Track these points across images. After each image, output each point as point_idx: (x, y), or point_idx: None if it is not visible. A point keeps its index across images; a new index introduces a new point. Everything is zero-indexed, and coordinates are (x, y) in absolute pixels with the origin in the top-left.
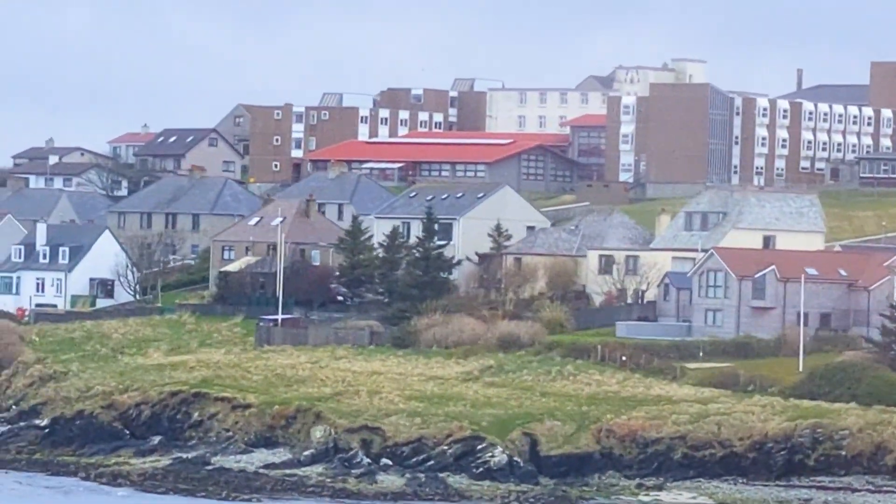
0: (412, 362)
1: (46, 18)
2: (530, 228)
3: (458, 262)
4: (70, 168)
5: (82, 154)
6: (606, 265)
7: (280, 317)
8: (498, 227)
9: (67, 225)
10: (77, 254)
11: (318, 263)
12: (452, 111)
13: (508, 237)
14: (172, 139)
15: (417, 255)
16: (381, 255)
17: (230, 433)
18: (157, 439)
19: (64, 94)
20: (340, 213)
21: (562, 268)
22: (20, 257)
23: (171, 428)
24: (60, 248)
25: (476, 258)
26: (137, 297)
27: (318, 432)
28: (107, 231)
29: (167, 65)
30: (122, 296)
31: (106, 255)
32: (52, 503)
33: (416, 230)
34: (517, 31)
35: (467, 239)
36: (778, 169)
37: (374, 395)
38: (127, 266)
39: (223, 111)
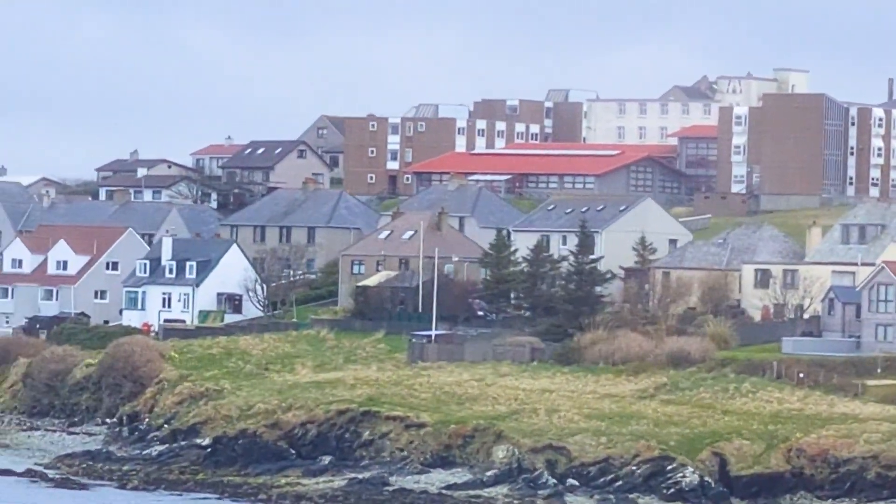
0: (581, 380)
1: (126, 32)
2: (672, 241)
3: (613, 277)
4: (158, 181)
5: (169, 167)
6: (763, 279)
7: (434, 332)
8: (643, 241)
9: (193, 239)
10: (204, 268)
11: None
12: (548, 122)
13: (653, 251)
14: (260, 151)
15: (569, 268)
16: (525, 270)
17: (405, 453)
18: (326, 459)
19: (146, 106)
20: (462, 225)
21: (716, 282)
22: (145, 272)
23: (340, 447)
24: (188, 263)
25: (621, 272)
26: (267, 312)
27: (500, 452)
28: (234, 245)
29: (248, 77)
30: (250, 311)
31: (234, 270)
32: None
33: (556, 243)
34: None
35: (610, 252)
36: (893, 180)
37: (552, 414)
38: (256, 281)
39: (306, 123)
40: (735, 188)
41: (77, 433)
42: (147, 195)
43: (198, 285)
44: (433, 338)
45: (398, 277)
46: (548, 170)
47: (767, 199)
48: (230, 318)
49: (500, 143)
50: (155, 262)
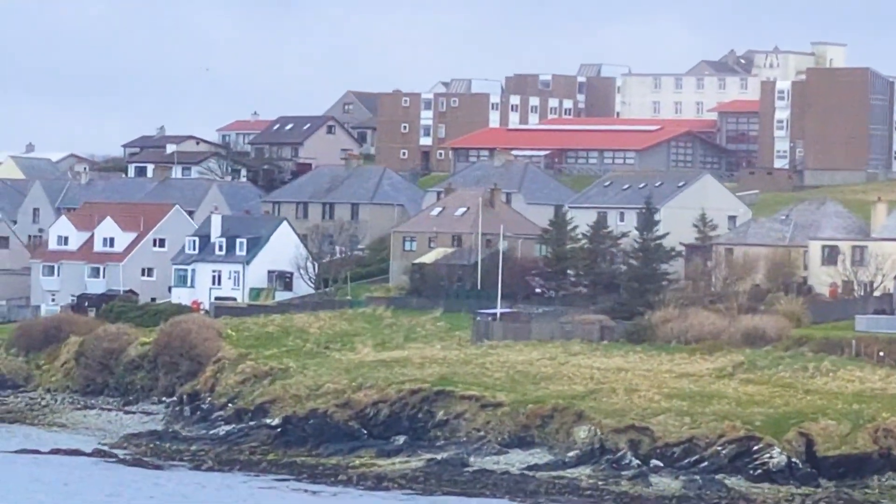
0: (655, 358)
1: (152, 11)
2: (731, 218)
3: (679, 254)
4: (188, 157)
5: (197, 143)
6: (830, 256)
7: (499, 311)
8: (703, 217)
9: (243, 216)
10: (255, 245)
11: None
12: (580, 97)
13: (714, 227)
14: (289, 127)
15: (633, 245)
16: (585, 247)
17: (481, 433)
18: (401, 439)
19: (170, 83)
20: (508, 202)
21: (781, 259)
22: (194, 249)
23: (413, 427)
24: (238, 240)
25: (682, 249)
26: (318, 289)
27: (581, 432)
28: (285, 222)
29: (272, 52)
30: (300, 288)
31: (284, 247)
32: None
33: (614, 220)
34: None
35: (670, 229)
36: None
37: (631, 394)
38: (307, 258)
39: (331, 99)
40: (778, 163)
41: (134, 412)
42: (176, 172)
43: (248, 263)
44: (498, 316)
45: (455, 254)
46: (587, 145)
47: (811, 174)
48: (280, 296)
49: (533, 119)
50: (204, 238)
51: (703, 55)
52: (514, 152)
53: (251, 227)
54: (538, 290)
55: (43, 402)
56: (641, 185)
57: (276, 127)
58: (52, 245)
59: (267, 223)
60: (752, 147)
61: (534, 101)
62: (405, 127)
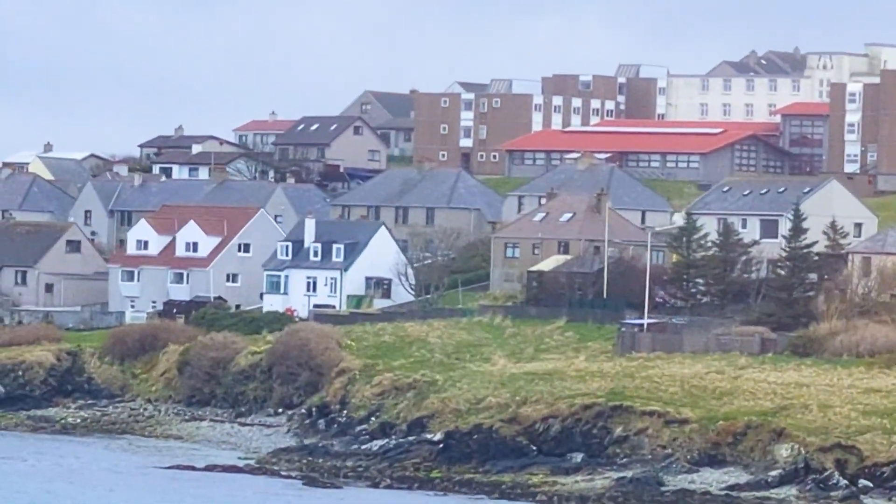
0: (830, 373)
1: (162, 11)
2: (857, 225)
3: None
4: (209, 158)
5: (221, 143)
6: None
7: (646, 321)
8: (833, 224)
9: (337, 221)
10: (352, 251)
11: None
12: (620, 98)
13: (844, 234)
14: (314, 127)
15: (781, 253)
16: (716, 254)
17: (668, 450)
18: (578, 456)
19: (183, 83)
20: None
21: None
22: (287, 255)
23: (587, 444)
24: (334, 246)
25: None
26: (420, 296)
27: (783, 451)
28: (383, 227)
29: (287, 53)
30: (399, 296)
31: (383, 253)
32: None
33: (737, 227)
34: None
35: None
36: None
37: (825, 410)
38: (407, 264)
39: (347, 99)
40: (848, 168)
41: (251, 424)
42: (203, 173)
43: (346, 269)
44: (645, 327)
45: (576, 262)
46: (649, 147)
47: (885, 179)
48: (378, 304)
49: (575, 120)
50: (297, 244)
51: (723, 55)
52: (572, 154)
53: (348, 232)
54: (658, 299)
55: (146, 413)
56: (763, 191)
57: (300, 127)
58: (131, 249)
59: (364, 228)
60: (817, 151)
61: (576, 102)
62: (444, 128)
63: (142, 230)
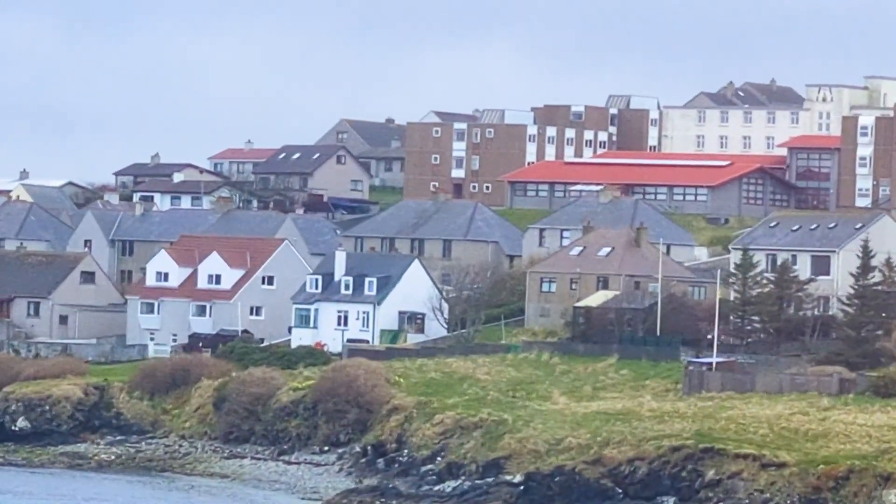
0: None
1: (127, 42)
2: None
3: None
4: (195, 187)
5: (201, 172)
6: None
7: (715, 359)
8: (889, 262)
9: (368, 253)
10: (385, 285)
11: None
12: (612, 129)
13: None
14: (296, 156)
15: (849, 290)
16: (772, 291)
17: (766, 495)
18: (670, 500)
19: (158, 110)
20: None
21: None
22: (316, 288)
23: (676, 487)
24: (367, 279)
25: None
26: (455, 331)
27: (892, 497)
28: (416, 261)
29: (262, 79)
30: (432, 330)
31: (416, 287)
32: None
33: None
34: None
35: (846, 274)
36: None
37: None
38: (441, 298)
39: (323, 127)
40: (859, 202)
41: (297, 462)
42: (185, 202)
43: (379, 303)
44: (714, 366)
45: (626, 297)
46: (655, 180)
47: None
48: (412, 339)
49: (568, 151)
50: (327, 277)
51: (700, 87)
52: (578, 187)
53: (380, 266)
54: (708, 336)
55: (182, 450)
56: (813, 227)
57: (281, 156)
58: (151, 281)
59: (397, 262)
60: (824, 184)
61: (569, 132)
62: (436, 158)
63: (161, 261)
